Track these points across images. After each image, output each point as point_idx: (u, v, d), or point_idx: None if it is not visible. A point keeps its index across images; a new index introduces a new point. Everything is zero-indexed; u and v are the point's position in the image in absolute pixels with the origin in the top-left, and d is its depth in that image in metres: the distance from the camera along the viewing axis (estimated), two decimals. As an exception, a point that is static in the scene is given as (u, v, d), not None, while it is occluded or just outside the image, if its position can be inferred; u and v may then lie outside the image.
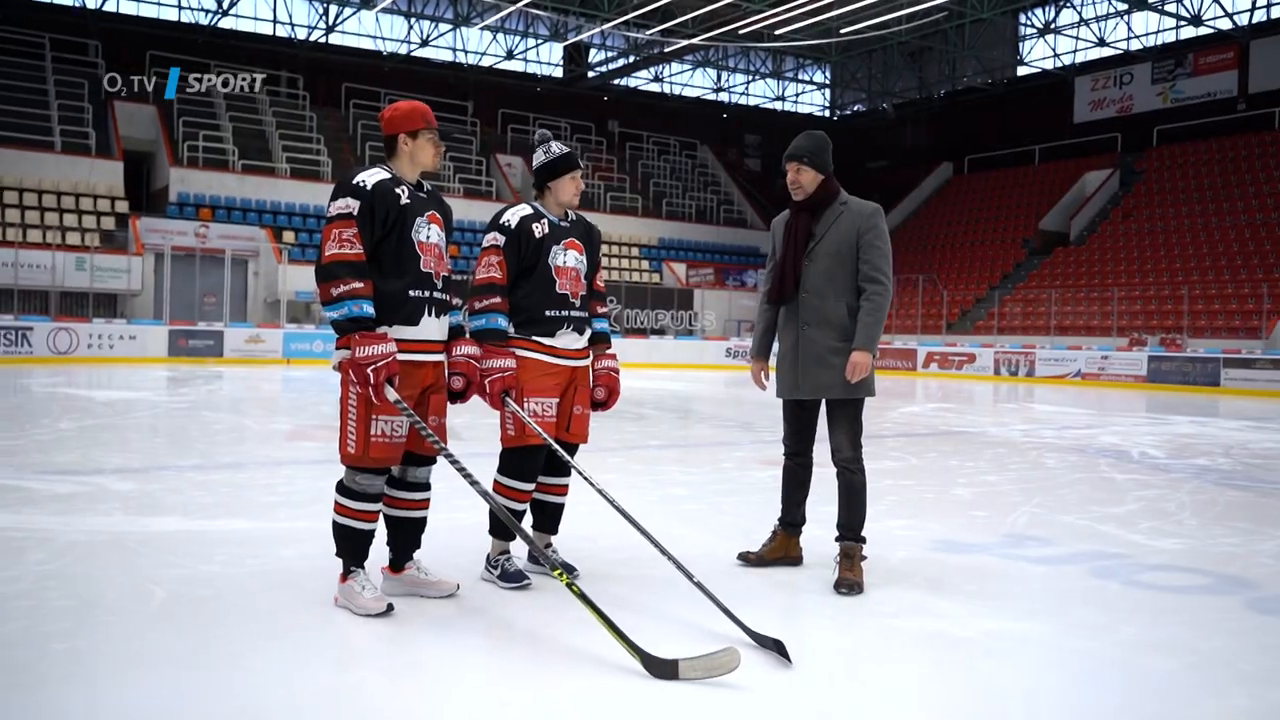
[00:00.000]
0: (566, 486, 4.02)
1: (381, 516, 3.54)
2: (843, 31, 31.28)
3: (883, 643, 3.33)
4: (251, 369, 20.28)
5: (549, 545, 4.00)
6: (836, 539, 4.00)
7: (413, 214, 3.43)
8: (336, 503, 3.45)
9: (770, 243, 4.30)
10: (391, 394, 3.27)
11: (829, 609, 3.68)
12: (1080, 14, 33.50)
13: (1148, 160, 33.17)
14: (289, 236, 26.37)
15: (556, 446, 3.69)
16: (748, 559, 4.22)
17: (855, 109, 42.22)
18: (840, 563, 3.93)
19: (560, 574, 3.14)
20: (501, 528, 3.80)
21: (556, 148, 3.87)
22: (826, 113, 42.79)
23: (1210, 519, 5.75)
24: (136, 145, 27.65)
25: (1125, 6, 31.96)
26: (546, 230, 3.80)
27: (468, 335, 3.71)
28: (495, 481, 3.81)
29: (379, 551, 3.61)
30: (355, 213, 3.31)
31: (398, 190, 3.41)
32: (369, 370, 3.20)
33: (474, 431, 7.51)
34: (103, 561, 4.04)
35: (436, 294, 3.49)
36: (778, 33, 31.20)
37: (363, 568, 3.46)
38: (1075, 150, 35.06)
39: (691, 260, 33.62)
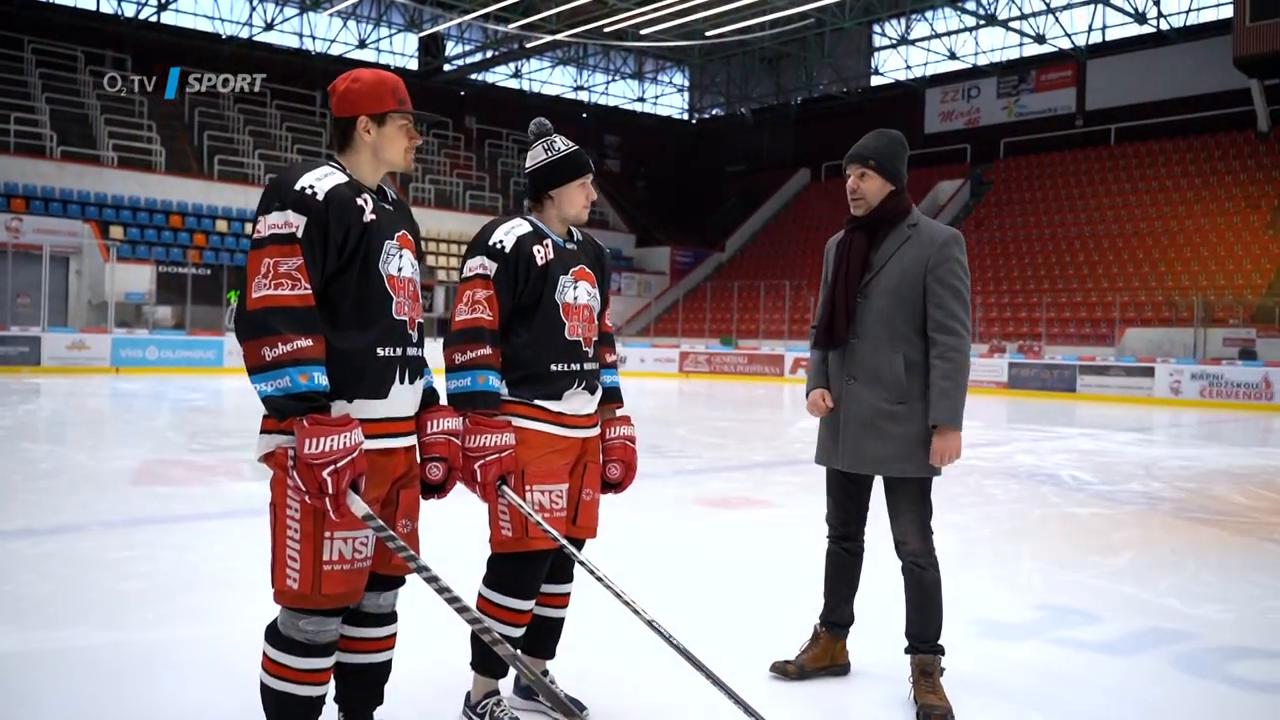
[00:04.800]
0: (569, 596, 3.03)
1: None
2: (708, 34, 30.95)
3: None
4: (75, 380, 18.02)
5: (545, 673, 3.00)
6: (907, 650, 3.17)
7: (380, 236, 2.36)
8: (267, 659, 2.34)
9: (824, 268, 3.42)
10: (359, 506, 2.20)
11: (920, 750, 2.85)
12: (932, 27, 34.32)
13: (995, 171, 34.29)
14: (117, 231, 23.88)
15: (570, 548, 2.71)
16: (786, 671, 3.33)
17: (714, 113, 42.16)
18: (918, 682, 3.10)
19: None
20: (490, 660, 2.78)
21: (561, 144, 2.87)
22: (686, 115, 42.57)
23: (1221, 572, 5.25)
24: (-67, 127, 24.57)
25: (974, 22, 32.91)
26: (552, 255, 2.80)
27: (444, 401, 2.67)
28: (481, 598, 2.80)
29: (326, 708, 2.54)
30: (300, 234, 2.23)
31: (359, 201, 2.35)
32: (325, 474, 2.13)
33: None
34: (-105, 724, 2.80)
35: (410, 350, 2.43)
36: (643, 33, 30.56)
37: (308, 747, 2.39)
38: (927, 160, 35.89)
39: (554, 263, 32.57)
